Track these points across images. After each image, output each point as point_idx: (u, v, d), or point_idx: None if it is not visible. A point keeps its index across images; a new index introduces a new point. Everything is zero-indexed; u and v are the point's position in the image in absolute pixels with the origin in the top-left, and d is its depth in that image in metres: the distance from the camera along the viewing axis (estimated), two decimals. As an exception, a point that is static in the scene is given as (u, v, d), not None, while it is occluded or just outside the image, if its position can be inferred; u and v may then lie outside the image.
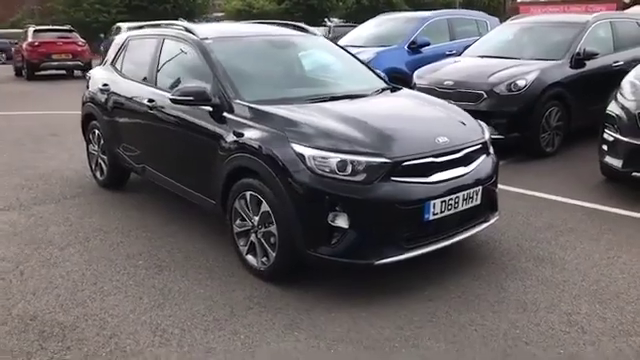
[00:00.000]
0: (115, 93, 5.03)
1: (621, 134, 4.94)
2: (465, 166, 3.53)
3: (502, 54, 7.31)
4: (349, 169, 3.16)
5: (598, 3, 25.73)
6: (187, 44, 4.35)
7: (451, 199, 3.38)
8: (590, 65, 6.93)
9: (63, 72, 18.00)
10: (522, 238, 4.19)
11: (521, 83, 6.33)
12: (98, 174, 5.57)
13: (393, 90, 4.44)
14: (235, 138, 3.60)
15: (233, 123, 3.69)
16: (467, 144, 3.58)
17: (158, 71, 4.55)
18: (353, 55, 4.96)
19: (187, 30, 4.43)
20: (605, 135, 5.17)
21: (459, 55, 8.45)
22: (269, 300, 3.32)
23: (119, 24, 20.89)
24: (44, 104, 11.67)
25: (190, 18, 38.14)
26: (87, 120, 5.59)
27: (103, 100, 5.19)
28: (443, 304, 3.26)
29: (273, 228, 3.38)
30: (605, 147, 5.15)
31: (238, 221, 3.68)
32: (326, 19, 42.87)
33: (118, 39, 5.52)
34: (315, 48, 4.84)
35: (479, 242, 4.08)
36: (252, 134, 3.50)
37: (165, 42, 4.58)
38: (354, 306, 3.23)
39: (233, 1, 41.97)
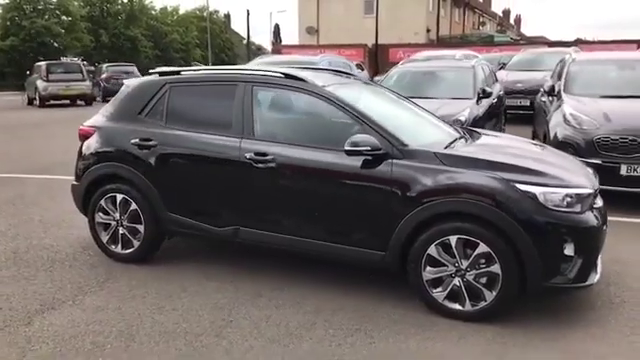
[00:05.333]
0: (172, 149, 4.30)
1: (580, 156, 6.20)
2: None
3: (414, 95, 8.19)
4: (565, 202, 3.51)
5: (347, 48, 29.66)
6: (298, 92, 4.08)
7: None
8: (483, 103, 8.31)
9: None
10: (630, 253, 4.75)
11: (462, 119, 7.29)
12: (117, 248, 4.58)
13: (469, 132, 4.78)
14: (428, 185, 3.60)
15: (413, 170, 3.66)
16: None
17: (255, 122, 4.10)
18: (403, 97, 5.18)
19: (291, 77, 4.11)
20: (563, 158, 6.39)
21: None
22: (516, 340, 3.40)
23: None
24: None
25: None
26: (97, 184, 4.57)
27: (145, 158, 4.35)
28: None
29: (494, 268, 3.49)
30: (566, 168, 6.36)
31: (429, 268, 3.66)
32: (62, 58, 39.54)
33: (142, 86, 4.64)
34: (378, 93, 4.93)
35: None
36: (459, 179, 3.56)
37: (255, 90, 4.15)
38: (574, 341, 3.42)
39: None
